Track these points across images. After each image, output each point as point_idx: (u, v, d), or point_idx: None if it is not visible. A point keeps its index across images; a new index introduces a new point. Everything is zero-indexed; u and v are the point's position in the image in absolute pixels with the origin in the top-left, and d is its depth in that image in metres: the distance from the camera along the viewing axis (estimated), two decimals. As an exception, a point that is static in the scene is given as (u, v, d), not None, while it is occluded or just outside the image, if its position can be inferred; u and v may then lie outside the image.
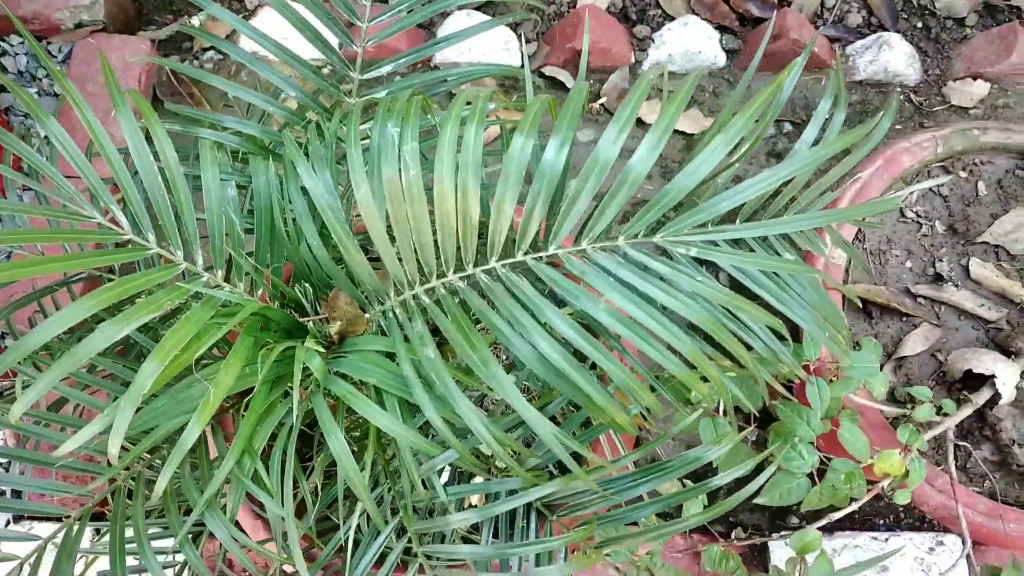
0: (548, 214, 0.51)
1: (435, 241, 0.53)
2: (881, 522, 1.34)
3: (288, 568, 0.61)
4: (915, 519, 1.31)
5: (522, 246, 0.51)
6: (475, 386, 0.58)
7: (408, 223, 0.53)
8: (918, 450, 0.87)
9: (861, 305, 1.06)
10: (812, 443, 0.82)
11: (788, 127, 1.64)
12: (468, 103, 0.50)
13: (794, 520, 1.34)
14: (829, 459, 0.83)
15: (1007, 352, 1.02)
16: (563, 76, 1.69)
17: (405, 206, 0.52)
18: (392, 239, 0.55)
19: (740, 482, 0.62)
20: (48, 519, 1.02)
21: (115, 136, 1.30)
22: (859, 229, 1.09)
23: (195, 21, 1.67)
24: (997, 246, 1.09)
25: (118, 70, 1.49)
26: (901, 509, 1.31)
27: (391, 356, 0.59)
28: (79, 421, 0.64)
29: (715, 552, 0.79)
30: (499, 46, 1.67)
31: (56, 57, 1.51)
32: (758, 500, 0.81)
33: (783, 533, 1.28)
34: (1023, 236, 1.08)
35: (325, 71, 0.69)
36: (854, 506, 0.79)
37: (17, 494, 0.92)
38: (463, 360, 0.51)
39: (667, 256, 0.50)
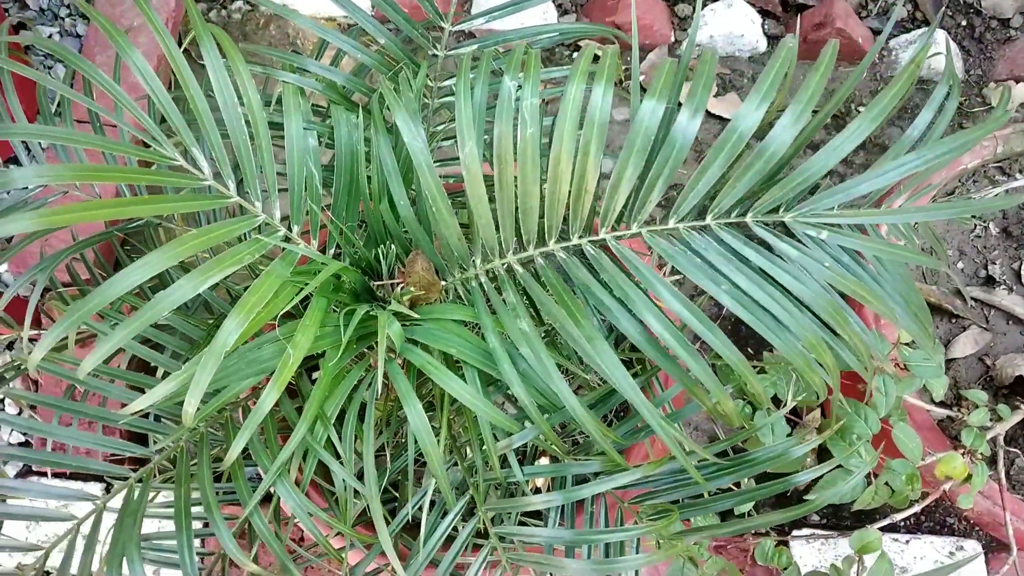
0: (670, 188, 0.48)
1: (541, 207, 0.50)
2: (901, 524, 1.33)
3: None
4: (936, 523, 1.30)
5: (639, 218, 0.48)
6: (565, 364, 0.56)
7: (514, 186, 0.50)
8: (981, 453, 0.85)
9: (911, 303, 1.04)
10: (870, 442, 0.80)
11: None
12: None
13: (815, 518, 1.33)
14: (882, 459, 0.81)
15: (1056, 360, 1.00)
16: (602, 52, 1.65)
17: (514, 166, 0.49)
18: (492, 202, 0.51)
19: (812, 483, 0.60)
20: (90, 478, 0.98)
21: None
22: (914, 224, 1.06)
23: (225, -31, 1.61)
24: (1051, 251, 1.07)
25: (142, 15, 1.43)
26: (921, 512, 1.30)
27: (469, 327, 0.56)
28: (130, 374, 0.61)
29: (768, 546, 0.78)
30: (537, 15, 1.63)
31: (80, -4, 1.45)
32: (808, 497, 0.79)
33: (805, 533, 1.27)
34: (1078, 243, 1.06)
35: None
36: (916, 508, 0.77)
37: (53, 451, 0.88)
38: (565, 336, 0.48)
39: (792, 238, 0.47)
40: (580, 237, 0.50)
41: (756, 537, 0.81)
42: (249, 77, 0.53)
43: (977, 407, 0.87)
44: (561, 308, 0.48)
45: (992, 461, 0.92)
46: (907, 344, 0.82)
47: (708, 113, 1.62)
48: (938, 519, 1.29)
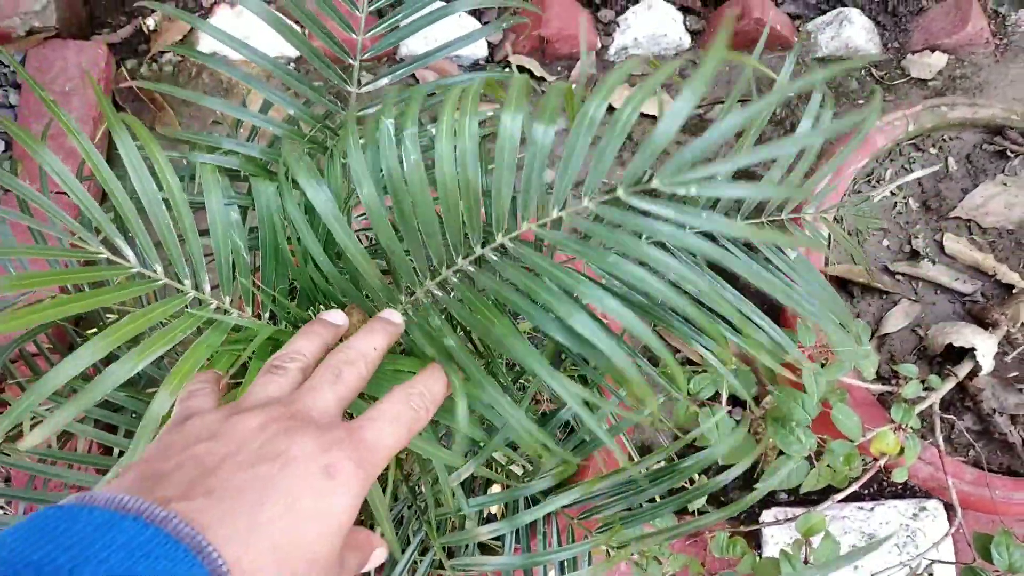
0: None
1: (441, 228, 0.53)
2: (865, 492, 1.38)
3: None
4: (897, 488, 1.36)
5: (526, 216, 0.51)
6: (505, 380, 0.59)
7: (413, 214, 0.53)
8: (911, 427, 0.90)
9: (843, 285, 1.08)
10: (808, 426, 0.84)
11: (755, 107, 1.66)
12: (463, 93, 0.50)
13: (783, 496, 1.38)
14: (824, 440, 0.85)
15: (984, 324, 1.05)
16: (531, 64, 1.69)
17: (408, 196, 0.52)
18: (399, 237, 0.54)
19: (751, 470, 0.64)
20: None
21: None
22: (838, 210, 1.11)
23: (150, 22, 1.62)
24: (969, 220, 1.12)
25: (75, 78, 1.44)
26: (883, 479, 1.35)
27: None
28: (89, 457, 0.63)
29: (722, 538, 0.81)
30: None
31: (7, 67, 1.46)
32: (758, 486, 0.83)
33: (773, 512, 1.31)
34: (993, 209, 1.12)
35: (292, 68, 0.68)
36: (854, 487, 0.82)
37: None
38: (491, 342, 0.51)
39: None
40: (481, 247, 0.53)
41: (730, 527, 0.85)
42: (167, 163, 0.55)
43: (910, 380, 0.91)
44: (475, 315, 0.51)
45: (932, 429, 0.96)
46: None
47: (641, 113, 1.66)
48: (900, 484, 1.35)
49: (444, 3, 0.66)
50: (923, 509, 1.33)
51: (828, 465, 0.82)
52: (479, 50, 1.66)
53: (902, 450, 0.80)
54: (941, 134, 1.16)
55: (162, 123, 1.53)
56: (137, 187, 0.54)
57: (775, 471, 0.85)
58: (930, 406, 0.94)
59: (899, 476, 0.81)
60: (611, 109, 1.68)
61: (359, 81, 0.65)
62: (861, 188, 1.13)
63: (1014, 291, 1.08)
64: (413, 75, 1.63)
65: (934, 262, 1.10)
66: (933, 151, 1.15)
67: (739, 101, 1.53)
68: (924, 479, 0.97)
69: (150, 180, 0.54)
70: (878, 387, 0.96)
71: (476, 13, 1.70)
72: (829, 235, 1.08)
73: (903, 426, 0.82)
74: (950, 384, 0.96)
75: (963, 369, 0.99)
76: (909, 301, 1.08)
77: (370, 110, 0.67)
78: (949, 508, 1.32)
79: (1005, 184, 1.12)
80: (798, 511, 1.33)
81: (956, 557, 1.31)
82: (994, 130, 1.16)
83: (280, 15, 0.64)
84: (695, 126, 1.65)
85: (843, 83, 1.66)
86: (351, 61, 0.64)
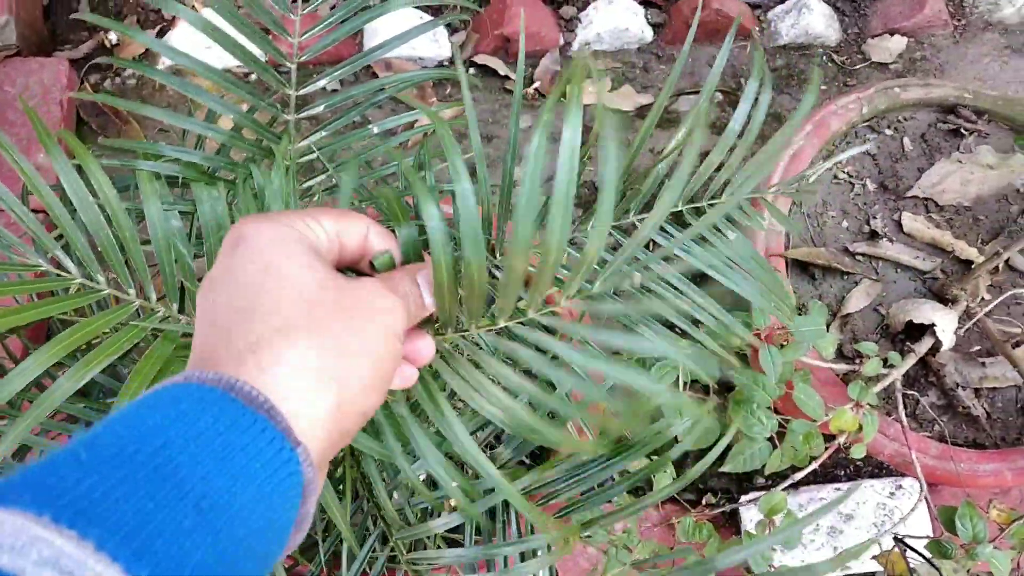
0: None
1: None
2: (842, 473, 1.39)
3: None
4: (874, 467, 1.37)
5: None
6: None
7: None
8: (869, 404, 0.91)
9: (804, 268, 1.10)
10: (770, 408, 0.85)
11: (718, 96, 1.67)
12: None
13: (761, 481, 1.39)
14: (788, 421, 0.86)
15: (944, 300, 1.06)
16: (495, 64, 1.69)
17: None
18: None
19: (705, 451, 0.64)
20: None
21: (41, 167, 1.26)
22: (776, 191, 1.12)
23: (112, 37, 1.62)
24: (926, 199, 1.13)
25: (37, 95, 1.44)
26: (860, 459, 1.36)
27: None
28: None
29: (688, 523, 0.82)
30: (427, 38, 1.66)
31: (-32, 86, 1.45)
32: (724, 468, 0.84)
33: (751, 496, 1.32)
34: (949, 187, 1.13)
35: (252, 77, 0.68)
36: (814, 464, 0.83)
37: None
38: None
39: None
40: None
41: (712, 509, 0.85)
42: (101, 172, 0.55)
43: (870, 358, 0.92)
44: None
45: (896, 405, 0.97)
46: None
47: (604, 107, 1.67)
48: (876, 463, 1.36)
49: (379, 2, 0.66)
50: (899, 487, 1.34)
51: (792, 446, 0.83)
52: (443, 51, 1.67)
53: (860, 427, 0.81)
54: (896, 115, 1.18)
55: (127, 135, 1.53)
56: (72, 198, 0.54)
57: (739, 453, 0.86)
58: (892, 383, 0.95)
59: (857, 452, 0.82)
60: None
61: (296, 84, 0.65)
62: (817, 171, 1.15)
63: (973, 266, 1.09)
64: (375, 74, 1.63)
65: (893, 241, 1.11)
66: (888, 132, 1.16)
67: (693, 92, 1.53)
68: (890, 455, 0.98)
69: (84, 191, 0.54)
70: (841, 366, 0.97)
71: (439, 12, 1.71)
72: (790, 217, 1.09)
73: (860, 404, 0.83)
74: (911, 361, 0.97)
75: (923, 345, 1.00)
76: (870, 281, 1.09)
77: (315, 110, 0.67)
78: (930, 486, 1.33)
79: (960, 162, 1.14)
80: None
81: (933, 532, 1.32)
82: (947, 109, 1.17)
83: (224, 23, 0.65)
84: (662, 118, 1.66)
85: (805, 69, 1.67)
86: (288, 64, 0.65)
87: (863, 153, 1.15)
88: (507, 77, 1.69)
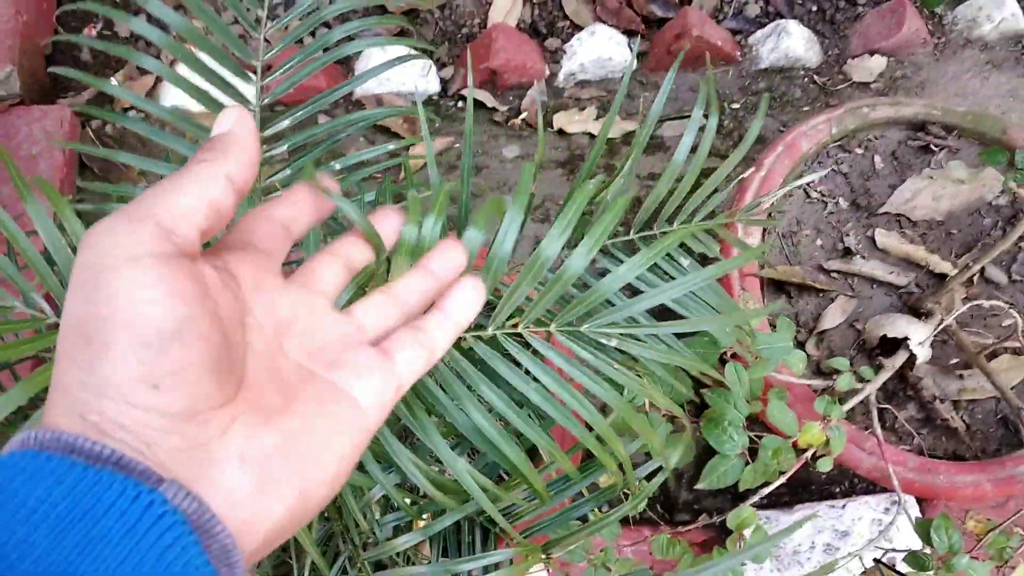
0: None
1: None
2: (837, 490, 1.40)
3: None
4: (869, 483, 1.37)
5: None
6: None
7: None
8: (843, 418, 0.93)
9: (780, 287, 1.12)
10: (741, 425, 0.86)
11: (704, 120, 1.70)
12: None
13: (755, 499, 1.39)
14: (759, 437, 0.88)
15: (919, 314, 1.08)
16: (482, 96, 1.74)
17: None
18: None
19: (697, 471, 0.66)
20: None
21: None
22: (769, 215, 1.14)
23: (113, 81, 1.68)
24: (899, 215, 1.15)
25: (41, 142, 1.49)
26: (855, 475, 1.37)
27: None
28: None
29: (662, 540, 0.84)
30: (417, 73, 1.71)
31: (-25, 136, 1.51)
32: (698, 486, 0.85)
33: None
34: (921, 203, 1.15)
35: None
36: (782, 479, 0.84)
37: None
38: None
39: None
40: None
41: (708, 528, 0.87)
42: (77, 221, 0.59)
43: (842, 374, 0.94)
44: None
45: (871, 420, 0.99)
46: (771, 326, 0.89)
47: (591, 135, 1.71)
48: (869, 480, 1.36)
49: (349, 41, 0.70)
50: (895, 503, 1.35)
51: (764, 462, 0.85)
52: (431, 85, 1.72)
53: (828, 442, 0.83)
54: (866, 134, 1.20)
55: (127, 178, 1.58)
56: (46, 242, 0.58)
57: (713, 470, 0.87)
58: (867, 397, 0.97)
59: (824, 465, 0.84)
60: (562, 133, 1.73)
61: (260, 124, 0.69)
62: (792, 192, 1.17)
63: (946, 280, 1.11)
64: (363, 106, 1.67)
65: (866, 257, 1.13)
66: (859, 151, 1.19)
67: (677, 118, 1.56)
68: (868, 470, 0.99)
69: (57, 235, 0.58)
70: (819, 382, 0.98)
71: (429, 53, 1.76)
72: (764, 239, 1.11)
73: (828, 418, 0.84)
74: (884, 375, 0.99)
75: (897, 359, 1.01)
76: (846, 297, 1.11)
77: (276, 150, 0.71)
78: (921, 501, 1.34)
79: (931, 177, 1.16)
80: (769, 513, 1.35)
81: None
82: (917, 127, 1.20)
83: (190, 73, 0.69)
84: (647, 144, 1.70)
85: (787, 92, 1.70)
86: (252, 107, 0.69)
87: (835, 172, 1.18)
88: (495, 109, 1.73)
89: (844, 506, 1.35)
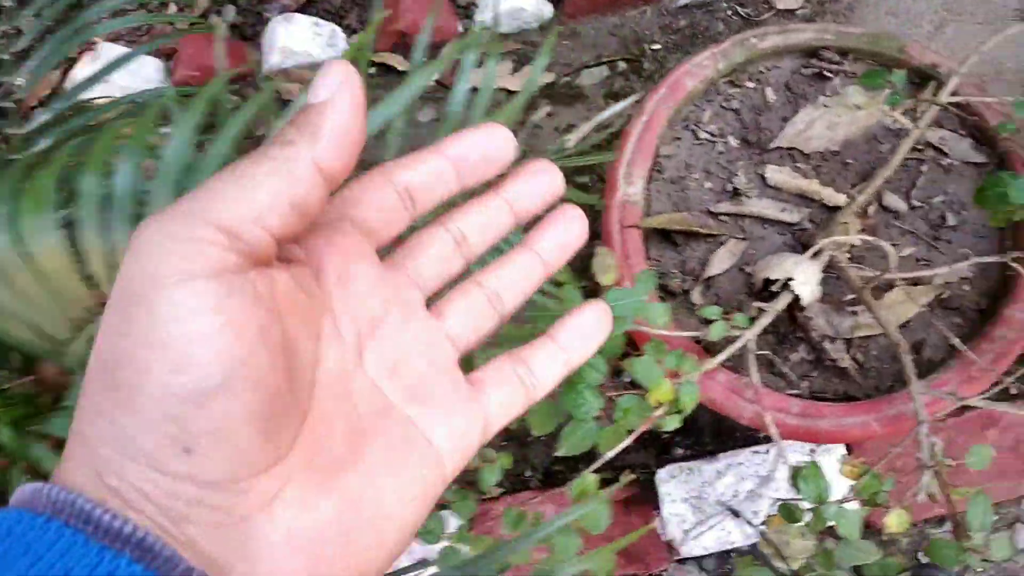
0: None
1: None
2: (763, 435, 1.37)
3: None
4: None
5: None
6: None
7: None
8: (713, 369, 0.89)
9: (667, 236, 1.07)
10: (597, 387, 0.83)
11: (622, 65, 1.64)
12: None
13: (678, 451, 1.37)
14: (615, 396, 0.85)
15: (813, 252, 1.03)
16: (394, 60, 1.69)
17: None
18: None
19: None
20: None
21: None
22: (656, 159, 1.10)
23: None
24: (791, 148, 1.10)
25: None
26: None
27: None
28: None
29: (512, 514, 0.81)
30: (323, 42, 1.67)
31: None
32: (557, 452, 0.83)
33: (671, 472, 1.30)
34: (815, 134, 1.09)
35: None
36: (631, 437, 0.81)
37: None
38: None
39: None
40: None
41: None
42: None
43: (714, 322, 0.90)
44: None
45: (748, 367, 0.95)
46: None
47: (508, 91, 1.65)
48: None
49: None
50: (819, 445, 1.31)
51: (619, 422, 0.82)
52: (337, 52, 1.67)
53: (676, 399, 0.80)
54: (757, 66, 1.14)
55: None
56: None
57: (571, 434, 0.84)
58: (745, 345, 0.93)
59: (669, 424, 0.81)
60: (475, 90, 1.68)
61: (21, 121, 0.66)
62: (681, 135, 1.12)
63: (836, 213, 1.06)
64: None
65: (758, 197, 1.08)
66: (751, 85, 1.13)
67: (596, 64, 1.50)
68: (750, 418, 0.96)
69: None
70: (692, 333, 0.95)
71: (338, 18, 1.71)
72: (648, 189, 1.07)
73: (679, 373, 0.81)
74: (765, 320, 0.95)
75: (780, 302, 0.97)
76: (736, 240, 1.07)
77: (39, 146, 0.68)
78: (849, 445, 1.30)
79: (826, 106, 1.10)
80: (692, 464, 1.32)
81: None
82: (811, 53, 1.13)
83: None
84: (565, 94, 1.64)
85: (710, 27, 1.63)
86: (9, 104, 0.66)
87: (725, 109, 1.12)
88: (406, 72, 1.68)
89: (767, 452, 1.32)
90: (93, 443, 0.22)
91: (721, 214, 1.07)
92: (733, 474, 1.30)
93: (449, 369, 0.31)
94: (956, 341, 0.93)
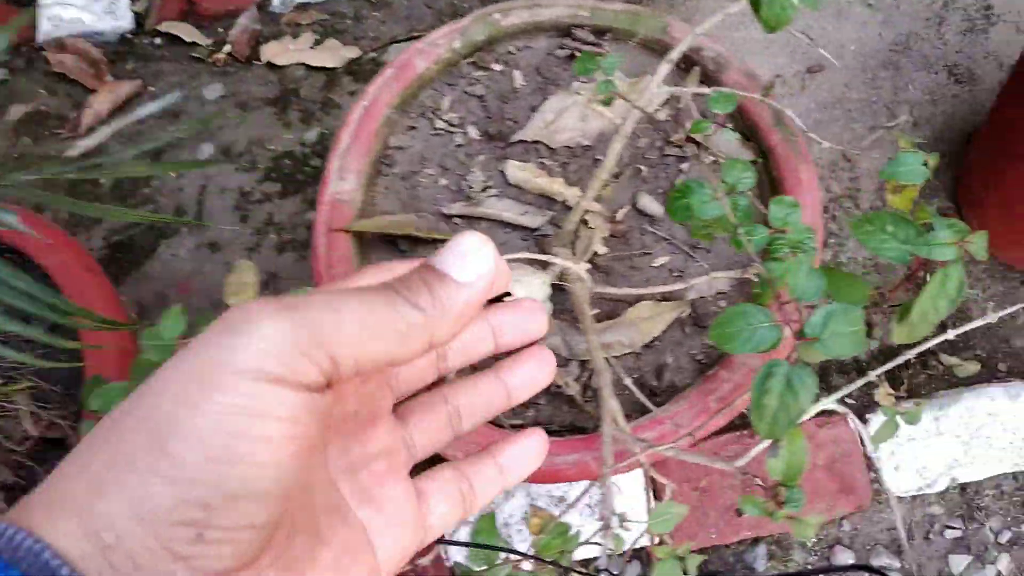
0: None
1: None
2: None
3: None
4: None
5: None
6: None
7: None
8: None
9: (393, 241, 0.94)
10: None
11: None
12: None
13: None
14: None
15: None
16: (182, 30, 1.52)
17: None
18: None
19: None
20: None
21: None
22: (386, 151, 0.96)
23: None
24: (536, 142, 0.96)
25: None
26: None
27: None
28: None
29: None
30: (102, 8, 1.49)
31: None
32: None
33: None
34: (566, 124, 0.96)
35: None
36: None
37: None
38: None
39: None
40: None
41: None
42: None
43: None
44: None
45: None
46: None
47: (308, 66, 1.50)
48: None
49: None
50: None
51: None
52: (123, 22, 1.50)
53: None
54: (506, 46, 1.00)
55: None
56: None
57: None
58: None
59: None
60: (272, 66, 1.52)
61: None
62: (417, 124, 0.98)
63: (586, 215, 0.93)
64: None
65: (499, 196, 0.95)
66: (498, 68, 0.99)
67: (407, 39, 1.34)
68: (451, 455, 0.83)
69: None
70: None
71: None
72: (364, 190, 0.93)
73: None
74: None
75: (499, 321, 0.84)
76: (473, 247, 0.93)
77: None
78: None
79: (579, 93, 0.97)
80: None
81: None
82: (564, 32, 1.00)
83: None
84: (371, 71, 1.49)
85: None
86: None
87: (468, 95, 0.98)
88: (195, 44, 1.51)
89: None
90: (102, 492, 0.22)
91: (455, 216, 0.94)
92: (523, 492, 1.19)
93: (403, 476, 0.32)
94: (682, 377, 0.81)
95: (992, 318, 0.62)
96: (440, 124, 0.97)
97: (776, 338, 0.57)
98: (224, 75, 1.48)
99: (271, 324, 0.23)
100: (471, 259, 0.27)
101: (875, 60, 1.49)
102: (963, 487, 1.30)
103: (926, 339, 0.62)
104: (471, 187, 0.95)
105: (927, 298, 0.60)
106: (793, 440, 0.61)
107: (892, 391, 1.35)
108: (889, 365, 0.65)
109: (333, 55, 1.49)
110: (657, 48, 0.97)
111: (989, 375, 1.33)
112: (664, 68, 0.74)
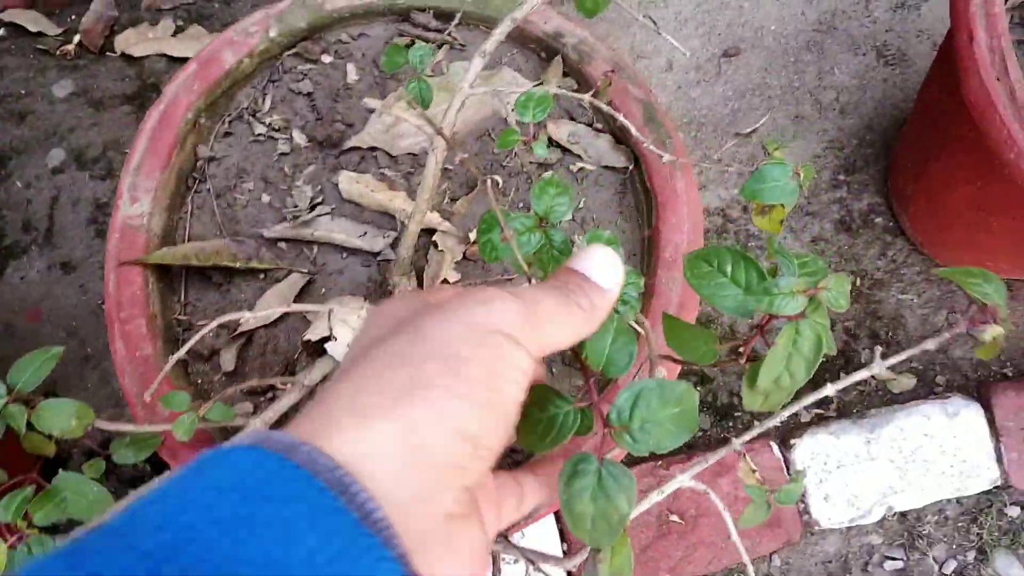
0: None
1: None
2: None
3: None
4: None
5: None
6: None
7: None
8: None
9: (204, 273, 0.79)
10: None
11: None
12: None
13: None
14: None
15: (391, 291, 0.76)
16: (27, 19, 1.35)
17: None
18: None
19: None
20: None
21: None
22: (196, 164, 0.81)
23: None
24: (374, 148, 0.82)
25: None
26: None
27: None
28: None
29: None
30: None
31: None
32: None
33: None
34: (408, 130, 0.81)
35: None
36: None
37: None
38: None
39: None
40: None
41: None
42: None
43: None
44: None
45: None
46: None
47: (169, 57, 1.34)
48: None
49: None
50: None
51: None
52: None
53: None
54: (338, 34, 0.85)
55: None
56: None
57: None
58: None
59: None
60: (129, 58, 1.35)
61: None
62: (235, 130, 0.83)
63: (435, 237, 0.79)
64: None
65: (332, 214, 0.80)
66: (328, 60, 0.84)
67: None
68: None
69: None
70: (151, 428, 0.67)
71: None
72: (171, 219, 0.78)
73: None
74: (287, 401, 0.68)
75: (317, 372, 0.70)
76: (300, 275, 0.79)
77: None
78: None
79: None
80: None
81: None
82: (403, 15, 0.85)
83: None
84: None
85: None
86: None
87: (294, 94, 0.83)
88: (41, 33, 1.35)
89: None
90: (412, 402, 0.28)
91: (280, 240, 0.80)
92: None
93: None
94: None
95: (931, 344, 0.48)
96: (260, 129, 0.82)
97: (575, 426, 0.44)
98: (75, 69, 1.32)
99: (510, 303, 0.32)
100: (610, 270, 0.36)
101: (797, 41, 1.35)
102: (903, 514, 1.18)
103: (818, 387, 0.49)
104: (297, 205, 0.80)
105: (776, 361, 0.47)
106: (618, 551, 0.48)
107: (820, 410, 1.23)
108: (769, 423, 0.51)
109: (198, 44, 1.33)
110: (513, 33, 0.83)
111: (927, 390, 1.21)
112: (477, 62, 0.60)
